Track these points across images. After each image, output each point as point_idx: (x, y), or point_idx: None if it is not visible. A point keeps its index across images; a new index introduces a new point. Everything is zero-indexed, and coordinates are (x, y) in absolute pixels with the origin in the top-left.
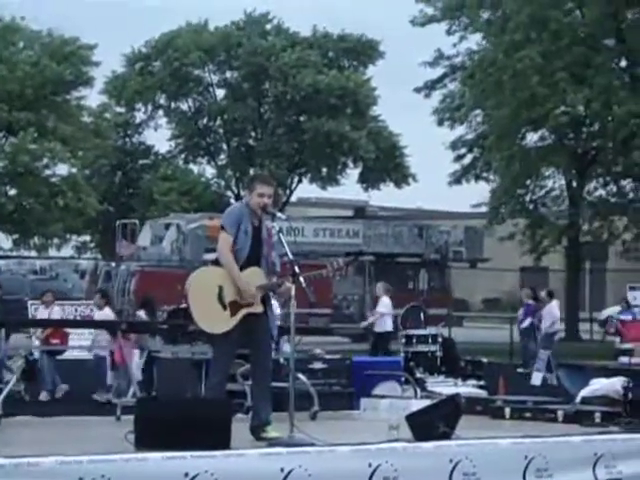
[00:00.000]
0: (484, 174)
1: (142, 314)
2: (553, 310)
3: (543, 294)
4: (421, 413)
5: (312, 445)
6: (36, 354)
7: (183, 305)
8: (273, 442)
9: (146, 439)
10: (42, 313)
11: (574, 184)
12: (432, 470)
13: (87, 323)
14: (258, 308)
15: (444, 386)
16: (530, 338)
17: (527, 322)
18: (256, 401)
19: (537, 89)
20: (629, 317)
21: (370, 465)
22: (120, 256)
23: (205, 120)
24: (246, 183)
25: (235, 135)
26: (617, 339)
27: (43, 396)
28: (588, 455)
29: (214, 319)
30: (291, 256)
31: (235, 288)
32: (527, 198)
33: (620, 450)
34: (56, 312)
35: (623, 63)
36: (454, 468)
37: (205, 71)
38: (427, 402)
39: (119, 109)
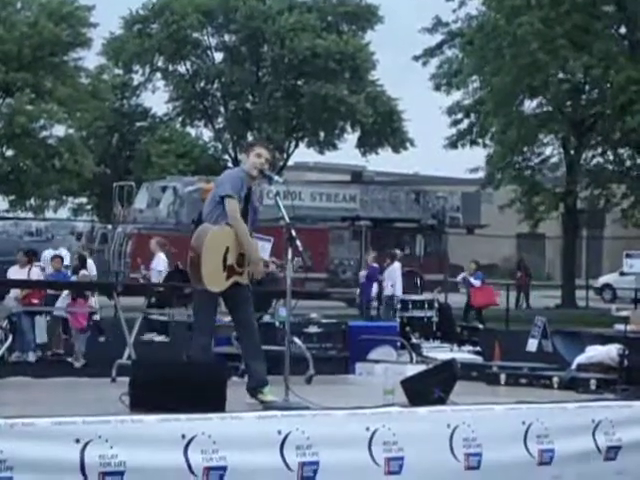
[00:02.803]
0: (479, 140)
1: (86, 272)
2: (393, 273)
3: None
4: (416, 378)
5: (307, 409)
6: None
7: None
8: (268, 405)
9: (141, 401)
10: (17, 273)
11: (572, 152)
12: (431, 435)
13: (79, 285)
14: (245, 280)
15: (440, 351)
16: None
17: (374, 287)
18: (249, 362)
19: (537, 55)
20: (478, 282)
21: (368, 429)
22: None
23: (203, 83)
24: (244, 147)
25: (233, 98)
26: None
27: (31, 356)
28: (586, 422)
29: (214, 276)
30: (287, 220)
31: (236, 254)
32: (524, 165)
33: (618, 417)
34: (35, 273)
35: (622, 30)
36: (453, 433)
37: (203, 34)
38: (422, 367)
39: (117, 71)
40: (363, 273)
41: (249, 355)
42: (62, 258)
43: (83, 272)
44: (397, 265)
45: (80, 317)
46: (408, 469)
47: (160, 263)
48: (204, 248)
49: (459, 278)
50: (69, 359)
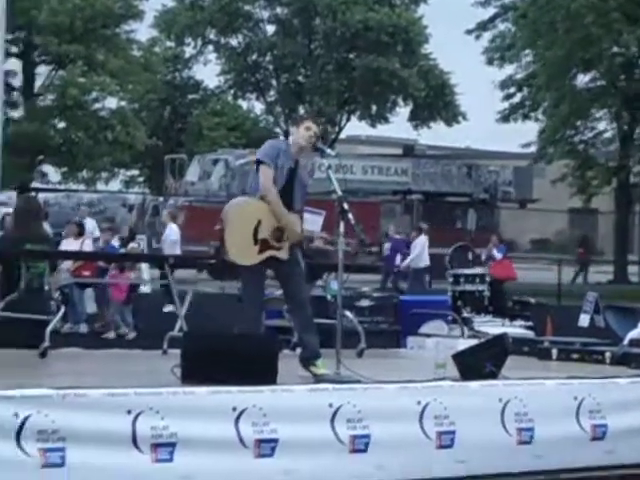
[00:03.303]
0: (532, 113)
1: (135, 245)
2: (418, 246)
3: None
4: (468, 352)
5: (358, 382)
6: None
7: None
8: (319, 378)
9: (193, 373)
10: (70, 245)
11: (625, 126)
12: (482, 409)
13: (132, 257)
14: (284, 254)
15: (491, 326)
16: (398, 275)
17: (398, 259)
18: (301, 334)
19: (591, 29)
20: (500, 255)
21: (419, 403)
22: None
23: (255, 56)
24: (294, 120)
25: (285, 71)
26: None
27: (83, 328)
28: (639, 397)
29: (243, 250)
30: (340, 193)
31: (271, 227)
32: (576, 139)
33: None
34: (87, 245)
35: None
36: (505, 407)
37: (255, 7)
38: (474, 342)
39: (169, 43)
40: (387, 245)
41: (301, 328)
42: (113, 230)
43: (132, 245)
44: (424, 238)
45: (122, 288)
46: (460, 443)
47: (172, 234)
48: (229, 221)
49: (484, 254)
50: (108, 334)
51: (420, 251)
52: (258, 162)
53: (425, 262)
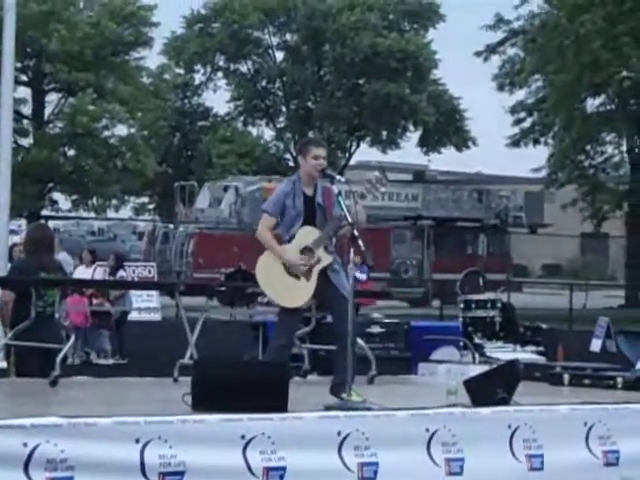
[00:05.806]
0: (542, 138)
1: (124, 274)
2: None
3: None
4: (479, 378)
5: (369, 409)
6: None
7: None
8: (329, 406)
9: (203, 401)
10: (82, 273)
11: (636, 150)
12: (491, 436)
13: (143, 285)
14: (326, 260)
15: (503, 352)
16: None
17: None
18: (337, 361)
19: (600, 53)
20: (364, 276)
21: (427, 430)
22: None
23: (264, 82)
24: (297, 150)
25: (294, 98)
26: None
27: (94, 357)
28: None
29: (295, 293)
30: (350, 219)
31: (296, 255)
32: (586, 163)
33: None
34: (99, 273)
35: None
36: (513, 434)
37: (264, 33)
38: (485, 368)
39: (178, 70)
40: None
41: (340, 353)
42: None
43: (121, 274)
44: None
45: (79, 314)
46: (469, 470)
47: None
48: (261, 282)
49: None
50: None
51: None
52: (262, 210)
53: None
